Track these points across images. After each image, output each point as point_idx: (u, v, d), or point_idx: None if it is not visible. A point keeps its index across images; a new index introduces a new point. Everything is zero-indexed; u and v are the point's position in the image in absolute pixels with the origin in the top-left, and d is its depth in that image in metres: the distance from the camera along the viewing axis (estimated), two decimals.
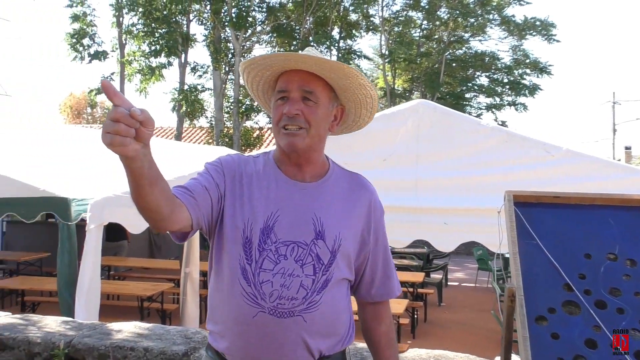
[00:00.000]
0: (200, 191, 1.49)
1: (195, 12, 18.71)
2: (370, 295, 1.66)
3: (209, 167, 1.58)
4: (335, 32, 19.87)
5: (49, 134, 7.83)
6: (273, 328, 1.44)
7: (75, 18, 18.19)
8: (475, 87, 21.84)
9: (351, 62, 19.44)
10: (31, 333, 3.33)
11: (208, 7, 18.12)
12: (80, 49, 18.23)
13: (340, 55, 19.39)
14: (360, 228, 1.58)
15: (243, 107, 17.59)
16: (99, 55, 18.37)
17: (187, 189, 1.47)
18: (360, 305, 1.72)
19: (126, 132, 1.06)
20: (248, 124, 18.64)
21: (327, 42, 18.69)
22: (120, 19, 18.54)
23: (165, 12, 17.69)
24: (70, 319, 3.80)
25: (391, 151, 4.41)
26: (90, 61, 18.40)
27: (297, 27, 19.18)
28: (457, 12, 20.02)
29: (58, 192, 5.09)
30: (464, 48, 21.85)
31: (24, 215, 5.23)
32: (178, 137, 18.34)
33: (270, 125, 19.92)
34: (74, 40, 18.09)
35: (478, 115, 20.28)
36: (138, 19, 18.22)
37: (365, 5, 19.71)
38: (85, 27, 18.20)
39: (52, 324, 3.60)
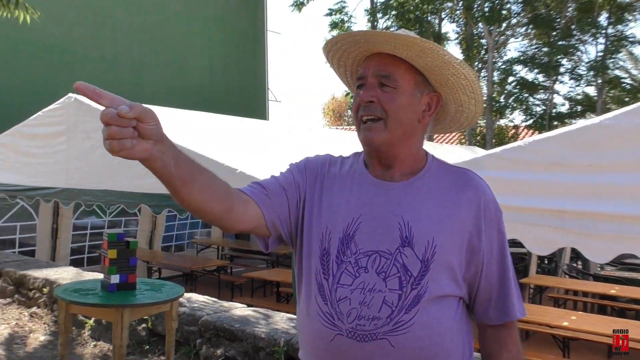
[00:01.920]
0: (276, 190, 1.36)
1: (447, 10, 18.59)
2: (488, 316, 1.38)
3: (292, 166, 1.45)
4: (603, 18, 17.67)
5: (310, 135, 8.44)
6: (354, 354, 1.24)
7: (334, 25, 19.72)
8: None
9: (623, 49, 17.06)
10: (258, 328, 3.50)
11: (460, 4, 17.84)
12: None
13: (608, 43, 17.26)
14: (467, 233, 1.31)
15: (497, 105, 16.85)
16: None
17: (261, 185, 1.37)
18: (479, 328, 1.44)
19: (120, 134, 0.95)
20: (502, 122, 17.78)
21: (593, 30, 16.86)
22: (375, 23, 19.44)
23: (417, 13, 17.95)
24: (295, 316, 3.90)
25: None
26: None
27: (557, 16, 17.60)
28: None
29: None
30: None
31: None
32: (430, 138, 18.37)
33: (526, 123, 18.89)
34: None
35: None
36: (392, 22, 18.82)
37: None
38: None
39: (279, 320, 3.73)
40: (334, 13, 19.89)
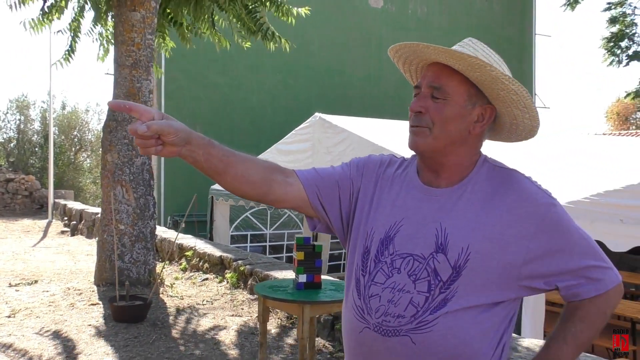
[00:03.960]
0: (329, 180, 1.49)
1: None
2: (578, 297, 1.39)
3: (353, 161, 1.55)
4: None
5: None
6: (378, 347, 1.35)
7: (612, 20, 17.85)
8: None
9: None
10: None
11: None
12: (618, 51, 17.65)
13: None
14: (512, 238, 1.31)
15: None
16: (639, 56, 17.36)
17: (316, 171, 1.50)
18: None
19: (143, 145, 1.18)
20: None
21: None
22: None
23: None
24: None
25: None
26: (627, 63, 17.63)
27: None
28: None
29: None
30: None
31: None
32: None
33: None
34: (611, 43, 17.68)
35: None
36: None
37: None
38: (623, 28, 17.54)
39: None
40: (613, 7, 18.02)
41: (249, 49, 8.09)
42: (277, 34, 7.32)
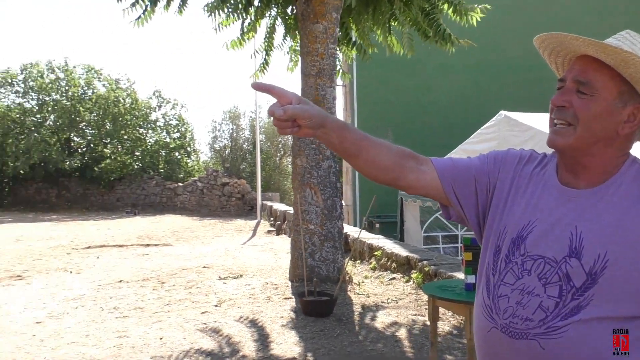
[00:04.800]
0: (464, 170, 1.46)
1: None
2: None
3: (491, 154, 1.50)
4: None
5: None
6: (505, 348, 1.32)
7: None
8: None
9: None
10: None
11: None
12: None
13: None
14: None
15: None
16: None
17: (452, 161, 1.48)
18: None
19: (279, 126, 1.27)
20: None
21: None
22: None
23: None
24: None
25: None
26: None
27: None
28: None
29: None
30: None
31: None
32: None
33: None
34: None
35: None
36: None
37: None
38: None
39: None
40: None
41: (438, 50, 8.10)
42: (453, 35, 7.26)
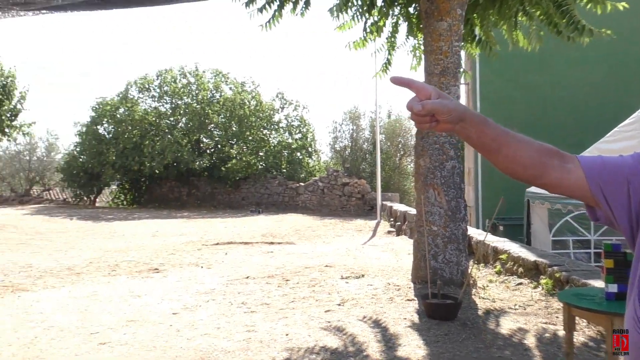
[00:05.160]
0: (615, 170, 1.34)
1: None
2: None
3: None
4: None
5: None
6: None
7: None
8: None
9: None
10: None
11: None
12: None
13: None
14: None
15: None
16: None
17: (602, 159, 1.34)
18: None
19: (417, 120, 1.24)
20: None
21: None
22: None
23: None
24: None
25: None
26: None
27: None
28: None
29: None
30: None
31: None
32: None
33: None
34: None
35: None
36: None
37: None
38: None
39: None
40: None
41: (570, 44, 7.67)
42: (588, 26, 6.80)
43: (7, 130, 14.89)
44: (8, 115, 14.88)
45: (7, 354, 4.52)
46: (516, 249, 7.64)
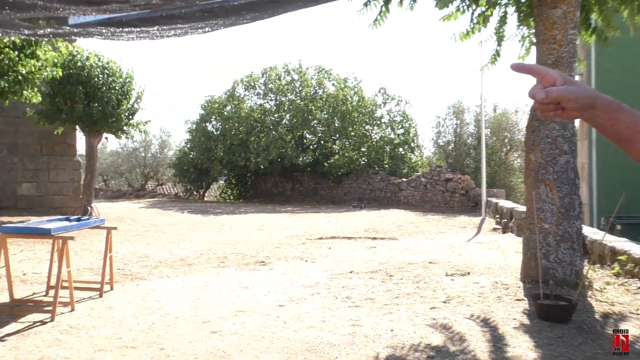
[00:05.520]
0: None
1: None
2: None
3: None
4: None
5: None
6: None
7: None
8: None
9: None
10: None
11: None
12: None
13: None
14: None
15: None
16: None
17: None
18: None
19: (541, 109, 1.20)
20: None
21: None
22: None
23: None
24: None
25: None
26: None
27: None
28: None
29: None
30: None
31: None
32: None
33: None
34: None
35: None
36: None
37: None
38: None
39: None
40: None
41: None
42: None
43: (125, 128, 15.94)
44: (126, 114, 15.91)
45: (128, 338, 4.84)
46: (637, 249, 7.14)
